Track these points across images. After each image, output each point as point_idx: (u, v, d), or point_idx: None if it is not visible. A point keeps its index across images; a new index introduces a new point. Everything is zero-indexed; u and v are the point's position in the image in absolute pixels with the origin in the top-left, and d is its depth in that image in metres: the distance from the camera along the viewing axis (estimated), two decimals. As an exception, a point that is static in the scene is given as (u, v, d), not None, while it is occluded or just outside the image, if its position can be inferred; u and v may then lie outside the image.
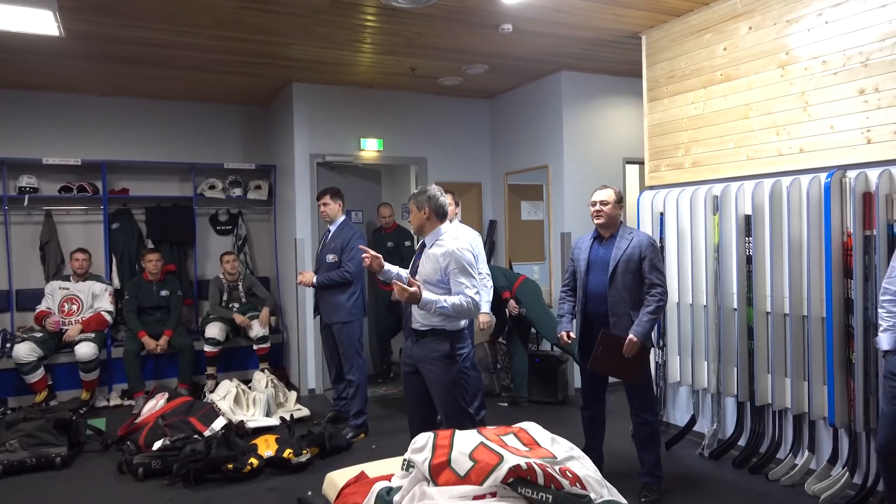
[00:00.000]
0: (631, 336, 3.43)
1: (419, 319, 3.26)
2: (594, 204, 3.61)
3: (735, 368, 4.10)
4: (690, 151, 4.44)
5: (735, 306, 4.08)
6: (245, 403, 5.05)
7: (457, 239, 3.24)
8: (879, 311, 2.93)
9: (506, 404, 5.49)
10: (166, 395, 4.63)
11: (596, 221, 3.62)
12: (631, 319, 3.50)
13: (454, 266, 3.14)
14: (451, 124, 6.65)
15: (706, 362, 4.29)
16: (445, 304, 3.09)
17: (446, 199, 3.33)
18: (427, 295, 3.08)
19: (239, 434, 4.31)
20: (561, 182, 5.78)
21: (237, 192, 6.58)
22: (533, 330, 5.43)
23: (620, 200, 3.63)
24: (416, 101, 6.47)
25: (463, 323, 3.32)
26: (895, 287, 2.84)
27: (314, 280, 4.68)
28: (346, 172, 6.38)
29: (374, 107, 6.27)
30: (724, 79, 4.17)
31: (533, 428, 2.34)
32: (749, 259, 3.99)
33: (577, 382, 5.77)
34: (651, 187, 4.77)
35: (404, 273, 3.38)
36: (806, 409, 3.70)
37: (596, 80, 5.87)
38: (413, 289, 3.02)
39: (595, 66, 5.63)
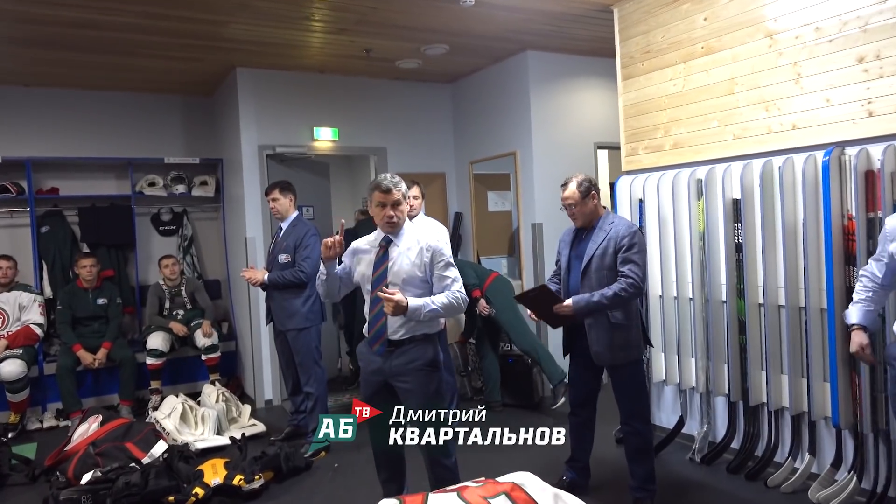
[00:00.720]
0: (569, 302, 3.12)
1: (396, 327, 2.80)
2: (564, 205, 3.29)
3: (725, 365, 3.79)
4: (670, 132, 4.11)
5: (724, 298, 3.77)
6: (193, 421, 4.58)
7: (433, 233, 2.94)
8: (856, 284, 2.85)
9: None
10: (100, 417, 4.13)
11: (574, 223, 3.31)
12: (610, 325, 3.15)
13: (440, 259, 2.79)
14: (412, 111, 6.23)
15: (693, 359, 3.98)
16: (436, 307, 2.73)
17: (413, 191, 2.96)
18: (413, 301, 2.70)
19: (184, 458, 3.85)
20: (530, 169, 5.42)
21: (180, 188, 6.05)
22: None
23: (589, 191, 3.22)
24: (373, 87, 6.03)
25: (442, 323, 2.97)
26: (875, 267, 2.76)
27: (265, 278, 4.24)
28: (298, 166, 5.90)
29: (327, 93, 5.81)
30: (705, 51, 3.84)
31: (530, 483, 1.88)
32: (738, 247, 3.67)
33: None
34: (628, 172, 4.44)
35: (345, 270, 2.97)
36: (805, 408, 3.40)
37: (564, 60, 5.51)
38: (398, 297, 2.64)
39: (563, 44, 5.27)
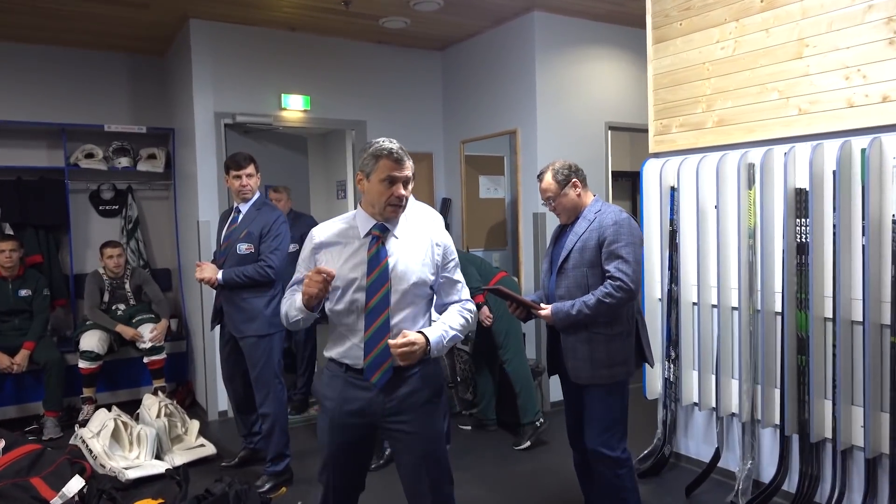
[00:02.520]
0: (547, 310, 2.60)
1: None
2: (542, 199, 2.79)
3: (777, 391, 3.12)
4: (714, 106, 3.40)
5: (779, 309, 3.09)
6: (126, 441, 3.78)
7: (431, 222, 2.35)
8: None
9: (469, 427, 4.39)
10: (2, 442, 3.31)
11: (559, 219, 2.81)
12: (589, 333, 2.58)
13: (450, 259, 2.19)
14: (396, 81, 5.43)
15: (736, 381, 3.30)
16: (455, 332, 2.13)
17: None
18: (434, 334, 2.05)
19: (107, 496, 3.07)
20: (533, 150, 4.68)
21: (124, 162, 5.17)
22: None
23: (568, 179, 2.68)
24: (353, 51, 5.22)
25: None
26: None
27: (218, 276, 3.42)
28: (265, 138, 5.09)
29: (298, 55, 4.99)
30: (765, 6, 3.13)
31: None
32: (802, 247, 2.99)
33: (556, 395, 4.74)
34: (657, 154, 3.73)
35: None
36: (886, 449, 2.74)
37: (576, 24, 4.77)
38: (412, 337, 1.99)
39: (575, 5, 4.53)
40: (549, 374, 2.87)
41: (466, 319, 2.17)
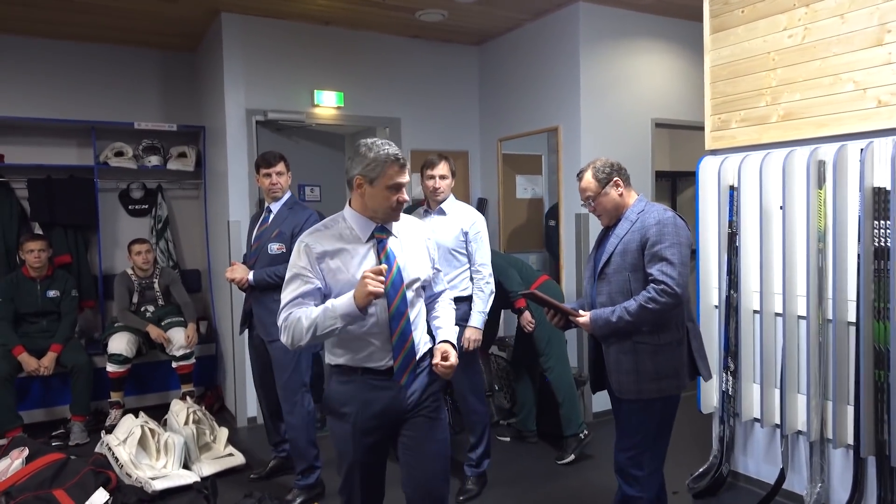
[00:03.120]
0: (585, 318, 2.43)
1: (417, 341, 2.12)
2: (582, 200, 2.60)
3: (851, 408, 2.86)
4: (780, 99, 3.15)
5: (853, 319, 2.84)
6: (154, 449, 3.65)
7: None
8: None
9: (508, 439, 4.18)
10: (26, 451, 3.19)
11: (600, 222, 2.62)
12: (634, 344, 2.38)
13: (436, 250, 2.32)
14: (431, 77, 5.25)
15: (803, 396, 3.05)
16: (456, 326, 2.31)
17: None
18: (454, 338, 2.20)
19: (133, 508, 2.93)
20: (576, 148, 4.46)
21: (154, 160, 5.07)
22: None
23: (610, 178, 2.49)
24: (387, 46, 5.05)
25: None
26: None
27: (249, 277, 3.27)
28: (299, 135, 4.93)
29: (332, 50, 4.83)
30: (840, -10, 2.88)
31: None
32: (881, 252, 2.73)
33: (598, 405, 4.52)
34: (715, 151, 3.48)
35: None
36: (982, 477, 2.47)
37: (622, 16, 4.54)
38: (452, 360, 2.09)
39: (621, -4, 4.31)
40: (594, 390, 2.65)
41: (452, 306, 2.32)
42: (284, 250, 3.24)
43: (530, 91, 4.86)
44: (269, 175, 3.33)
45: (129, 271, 4.74)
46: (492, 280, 3.31)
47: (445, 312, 2.26)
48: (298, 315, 1.95)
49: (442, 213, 3.32)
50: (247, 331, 3.51)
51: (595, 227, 4.41)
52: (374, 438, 2.08)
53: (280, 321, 2.00)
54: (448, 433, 2.21)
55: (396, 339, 2.02)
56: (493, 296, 3.32)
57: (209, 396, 4.94)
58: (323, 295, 2.02)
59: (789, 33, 3.09)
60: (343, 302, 1.91)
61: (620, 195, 2.49)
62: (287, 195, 3.40)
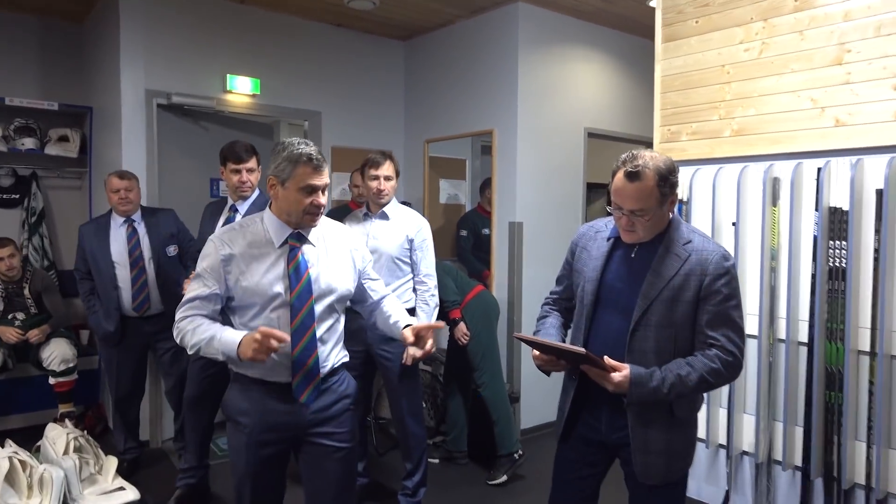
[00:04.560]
0: (625, 371, 1.77)
1: (328, 352, 1.99)
2: (618, 208, 1.84)
3: (800, 429, 2.83)
4: (734, 113, 3.10)
5: (805, 339, 2.82)
6: (24, 486, 3.04)
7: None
8: None
9: (437, 460, 3.90)
10: None
11: (627, 237, 1.90)
12: (671, 419, 1.86)
13: (369, 261, 2.22)
14: (355, 70, 4.89)
15: (751, 416, 3.00)
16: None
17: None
18: (408, 320, 2.14)
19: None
20: (512, 154, 4.26)
21: (28, 143, 4.34)
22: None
23: (674, 189, 1.84)
24: (309, 32, 4.64)
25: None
26: None
27: None
28: (207, 121, 4.40)
29: (247, 32, 4.36)
30: (800, 6, 2.85)
31: None
32: (836, 272, 2.71)
33: (527, 421, 4.34)
34: (663, 163, 3.39)
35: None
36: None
37: (559, 21, 4.41)
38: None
39: (560, 0, 4.17)
40: (561, 440, 2.05)
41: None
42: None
43: (462, 91, 4.63)
44: (238, 171, 2.99)
45: (-6, 273, 4.03)
46: (437, 292, 3.03)
47: (396, 308, 2.14)
48: (188, 329, 1.88)
49: (385, 217, 3.00)
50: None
51: (533, 235, 4.25)
52: (270, 451, 1.97)
53: (176, 318, 1.92)
54: (354, 452, 2.08)
55: (297, 355, 1.90)
56: (437, 309, 3.04)
57: (89, 417, 4.29)
58: (222, 298, 1.93)
59: (745, 47, 3.04)
60: (228, 342, 1.81)
61: (668, 210, 1.87)
62: (256, 194, 3.06)
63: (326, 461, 2.00)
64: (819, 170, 2.75)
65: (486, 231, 4.46)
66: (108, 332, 3.44)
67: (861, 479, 2.65)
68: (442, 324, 2.50)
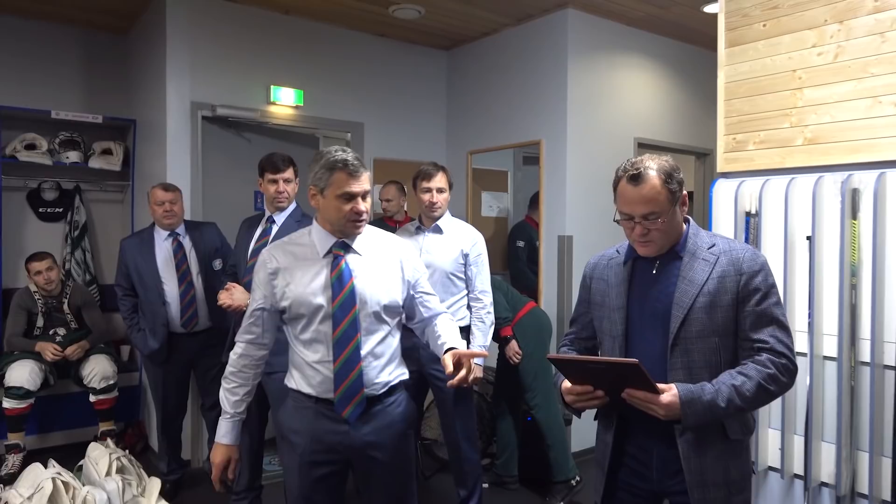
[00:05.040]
0: (672, 390, 1.58)
1: (378, 371, 1.94)
2: (629, 218, 1.71)
3: (889, 460, 2.62)
4: (806, 120, 2.92)
5: (892, 363, 2.60)
6: (67, 508, 2.97)
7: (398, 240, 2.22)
8: None
9: (486, 485, 3.74)
10: None
11: (641, 249, 1.76)
12: (727, 441, 1.69)
13: (422, 274, 2.12)
14: (398, 80, 4.82)
15: (831, 445, 2.79)
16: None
17: None
18: (455, 343, 2.00)
19: None
20: (561, 165, 4.13)
21: (73, 156, 4.35)
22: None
23: (681, 188, 1.74)
24: (352, 42, 4.58)
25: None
26: None
27: None
28: (251, 133, 4.35)
29: (291, 42, 4.31)
30: (880, 6, 2.68)
31: None
32: (927, 290, 2.51)
33: (577, 444, 4.16)
34: (727, 174, 3.23)
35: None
36: None
37: (611, 28, 4.30)
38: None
39: (611, 6, 4.05)
40: (604, 500, 1.85)
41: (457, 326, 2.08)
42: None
43: (507, 101, 4.52)
44: (275, 181, 2.92)
45: (33, 287, 3.99)
46: (493, 309, 2.90)
47: (446, 328, 2.03)
48: (226, 388, 2.00)
49: (438, 231, 2.89)
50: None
51: (582, 247, 4.10)
52: (323, 471, 1.93)
53: (231, 358, 2.01)
54: (413, 479, 2.04)
55: (339, 367, 1.86)
56: (493, 327, 2.91)
57: (129, 435, 4.23)
58: (270, 313, 1.95)
59: (818, 51, 2.87)
60: (217, 436, 1.99)
61: (682, 217, 1.78)
62: (293, 206, 2.98)
63: (378, 485, 1.96)
64: (906, 180, 2.56)
65: (537, 243, 4.32)
66: (154, 349, 3.36)
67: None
68: (485, 353, 2.33)
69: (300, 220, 2.95)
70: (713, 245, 1.75)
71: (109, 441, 3.63)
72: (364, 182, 1.88)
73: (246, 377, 1.99)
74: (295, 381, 1.96)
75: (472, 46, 4.81)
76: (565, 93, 4.09)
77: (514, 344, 3.39)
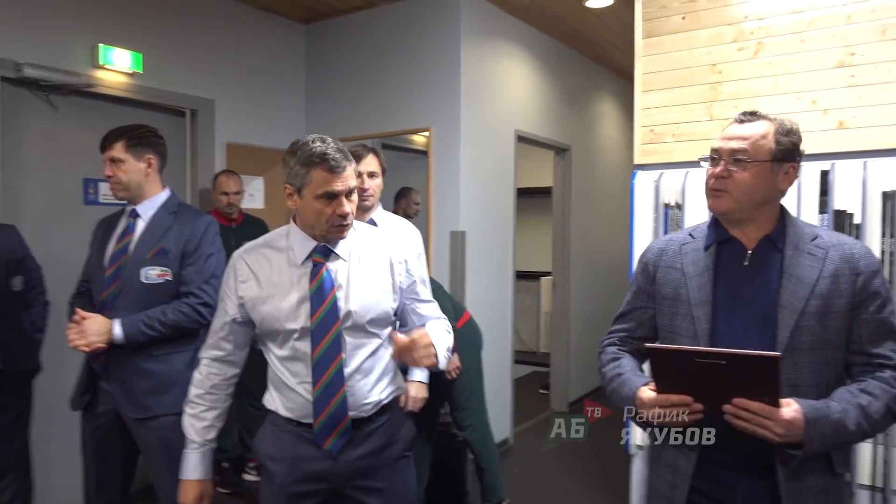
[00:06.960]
0: (796, 414, 1.30)
1: (367, 391, 1.68)
2: (715, 156, 1.51)
3: None
4: (726, 114, 2.97)
5: None
6: None
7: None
8: None
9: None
10: None
11: (723, 216, 1.51)
12: (833, 475, 1.43)
13: (416, 277, 1.81)
14: (255, 54, 4.15)
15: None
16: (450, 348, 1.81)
17: None
18: (438, 339, 1.70)
19: None
20: (454, 155, 3.84)
21: None
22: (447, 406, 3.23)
23: (790, 152, 1.47)
24: (203, 6, 3.82)
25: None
26: None
27: (116, 331, 2.05)
28: (75, 105, 3.39)
29: (126, -4, 3.46)
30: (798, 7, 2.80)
31: None
32: None
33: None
34: (644, 166, 3.20)
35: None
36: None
37: (501, 17, 4.11)
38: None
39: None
40: None
41: (449, 335, 1.82)
42: (170, 278, 2.02)
43: (385, 85, 4.11)
44: (105, 162, 2.18)
45: None
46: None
47: (433, 326, 1.78)
48: (190, 414, 1.76)
49: (373, 225, 2.40)
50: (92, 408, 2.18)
51: (476, 246, 3.85)
52: (317, 500, 1.70)
53: (196, 377, 1.76)
54: (412, 495, 1.80)
55: (319, 393, 1.63)
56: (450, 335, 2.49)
57: None
58: (243, 326, 1.72)
59: (739, 45, 2.94)
60: (185, 471, 1.75)
61: (780, 190, 1.47)
62: (165, 194, 2.20)
63: None
64: (827, 173, 2.70)
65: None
66: None
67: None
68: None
69: (176, 211, 2.26)
70: (816, 237, 1.47)
71: None
72: (348, 178, 1.62)
73: (215, 399, 1.75)
74: (273, 401, 1.72)
75: (339, 21, 4.31)
76: (458, 79, 3.81)
77: (455, 358, 2.98)
